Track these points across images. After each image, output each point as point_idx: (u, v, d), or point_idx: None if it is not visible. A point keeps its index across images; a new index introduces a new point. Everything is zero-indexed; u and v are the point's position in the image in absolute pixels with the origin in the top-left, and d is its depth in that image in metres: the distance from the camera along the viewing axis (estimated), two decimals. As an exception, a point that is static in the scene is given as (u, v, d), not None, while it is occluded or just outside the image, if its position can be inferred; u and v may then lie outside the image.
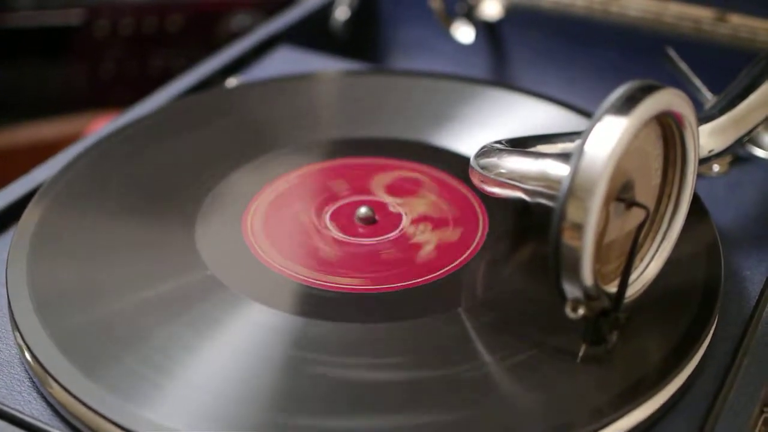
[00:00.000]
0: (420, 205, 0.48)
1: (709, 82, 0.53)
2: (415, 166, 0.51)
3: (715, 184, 0.52)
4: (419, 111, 0.55)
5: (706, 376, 0.39)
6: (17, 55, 0.81)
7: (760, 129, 0.51)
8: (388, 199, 0.48)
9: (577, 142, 0.35)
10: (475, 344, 0.39)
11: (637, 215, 0.38)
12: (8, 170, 0.58)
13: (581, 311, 0.36)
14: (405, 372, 0.38)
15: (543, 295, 0.41)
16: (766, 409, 0.39)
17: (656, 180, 0.40)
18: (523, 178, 0.40)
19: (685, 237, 0.42)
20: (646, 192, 0.39)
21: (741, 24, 0.63)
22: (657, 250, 0.40)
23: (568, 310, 0.36)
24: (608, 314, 0.37)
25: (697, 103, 0.51)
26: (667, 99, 0.36)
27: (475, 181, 0.43)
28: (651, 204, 0.40)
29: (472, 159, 0.43)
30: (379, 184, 0.49)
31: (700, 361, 0.39)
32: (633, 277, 0.39)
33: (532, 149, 0.43)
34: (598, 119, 0.34)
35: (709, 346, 0.40)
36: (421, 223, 0.46)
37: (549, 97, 0.55)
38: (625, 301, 0.38)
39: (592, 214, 0.34)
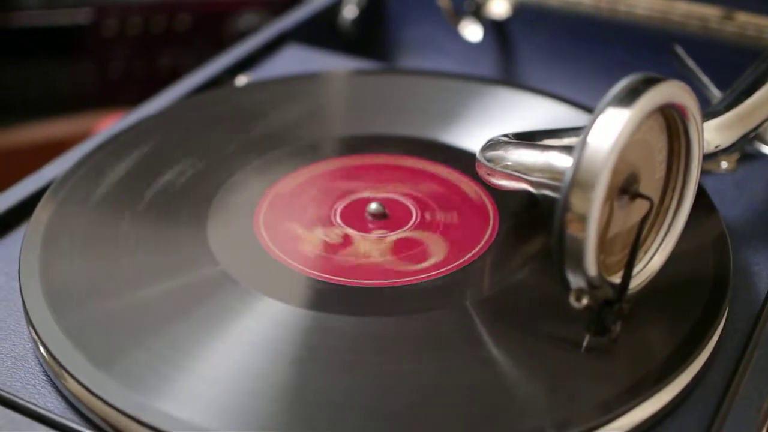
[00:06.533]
0: (429, 201, 0.48)
1: (716, 80, 0.52)
2: (425, 163, 0.51)
3: (723, 180, 0.52)
4: (427, 109, 0.55)
5: (715, 370, 0.39)
6: (25, 55, 0.81)
7: (767, 126, 0.51)
8: (398, 196, 0.48)
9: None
10: (482, 337, 0.39)
11: (641, 207, 0.38)
12: (17, 169, 0.59)
13: (585, 301, 0.36)
14: (414, 365, 0.38)
15: (549, 287, 0.41)
16: (776, 404, 0.39)
17: (660, 173, 0.40)
18: (529, 170, 0.40)
19: (694, 231, 0.42)
20: (650, 185, 0.39)
21: (748, 22, 0.63)
22: (661, 243, 0.40)
23: (572, 300, 0.36)
24: (612, 305, 0.37)
25: (704, 100, 0.51)
26: (670, 91, 0.36)
27: (482, 173, 0.44)
28: (655, 196, 0.40)
29: (478, 152, 0.44)
30: (389, 180, 0.49)
31: (710, 355, 0.39)
32: (637, 269, 0.39)
33: (538, 142, 0.43)
34: (601, 111, 0.35)
35: (718, 340, 0.40)
36: (431, 218, 0.47)
37: (556, 95, 0.55)
38: (629, 292, 0.38)
39: (594, 205, 0.34)
